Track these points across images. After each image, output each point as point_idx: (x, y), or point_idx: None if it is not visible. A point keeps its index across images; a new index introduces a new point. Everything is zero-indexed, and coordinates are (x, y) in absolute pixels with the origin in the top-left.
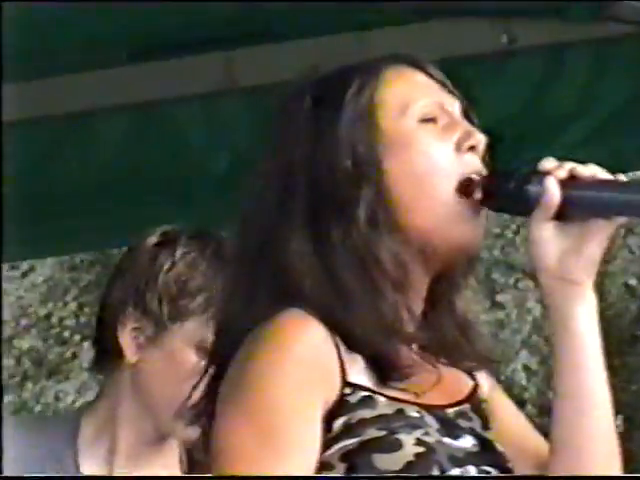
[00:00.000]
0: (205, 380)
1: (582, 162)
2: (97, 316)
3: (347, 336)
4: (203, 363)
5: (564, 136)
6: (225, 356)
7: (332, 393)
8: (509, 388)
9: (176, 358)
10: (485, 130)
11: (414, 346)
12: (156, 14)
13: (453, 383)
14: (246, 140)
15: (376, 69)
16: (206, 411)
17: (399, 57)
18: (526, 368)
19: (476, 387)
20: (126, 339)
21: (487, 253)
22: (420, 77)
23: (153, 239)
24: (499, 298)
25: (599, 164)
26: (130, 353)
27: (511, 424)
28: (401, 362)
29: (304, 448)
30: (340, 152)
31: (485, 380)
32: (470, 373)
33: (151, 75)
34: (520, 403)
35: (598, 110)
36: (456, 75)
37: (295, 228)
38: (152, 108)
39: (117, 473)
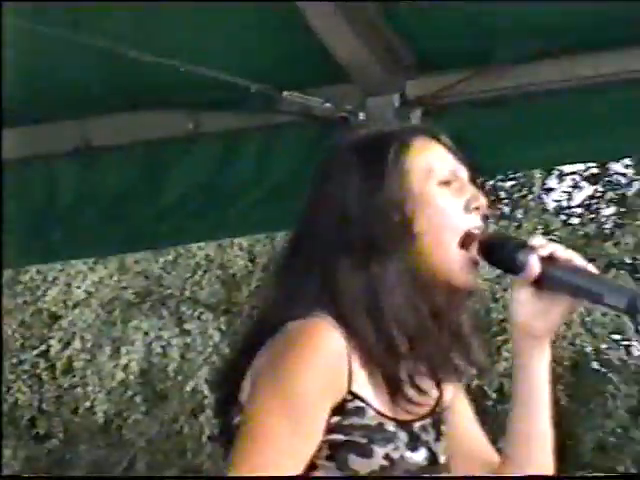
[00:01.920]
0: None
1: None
2: None
3: (363, 354)
4: None
5: (240, 202)
6: (258, 337)
7: (339, 395)
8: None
9: None
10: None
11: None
12: None
13: (429, 395)
14: None
15: (407, 139)
16: (220, 412)
17: (424, 129)
18: (207, 381)
19: (440, 398)
20: None
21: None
22: (439, 147)
23: None
24: (186, 326)
25: (273, 221)
26: None
27: (466, 429)
28: (402, 388)
29: (319, 429)
30: (390, 208)
31: (449, 387)
32: (438, 383)
33: None
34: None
35: (267, 181)
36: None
37: (346, 255)
38: None
39: None
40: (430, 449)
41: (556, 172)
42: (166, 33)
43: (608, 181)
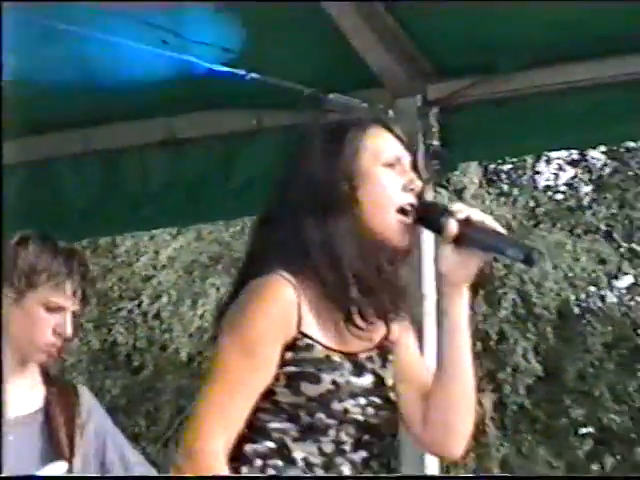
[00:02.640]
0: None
1: None
2: None
3: (317, 298)
4: (50, 317)
5: None
6: (228, 299)
7: (289, 335)
8: None
9: (30, 314)
10: None
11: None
12: None
13: (376, 331)
14: None
15: (363, 126)
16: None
17: (380, 120)
18: None
19: (387, 333)
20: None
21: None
22: (389, 136)
23: (14, 240)
24: None
25: None
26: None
27: (411, 360)
28: (352, 318)
29: (271, 363)
30: (340, 177)
31: (397, 325)
32: (387, 321)
33: None
34: None
35: None
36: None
37: (309, 216)
38: None
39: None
40: (376, 374)
41: (544, 158)
42: (236, 46)
43: (586, 165)
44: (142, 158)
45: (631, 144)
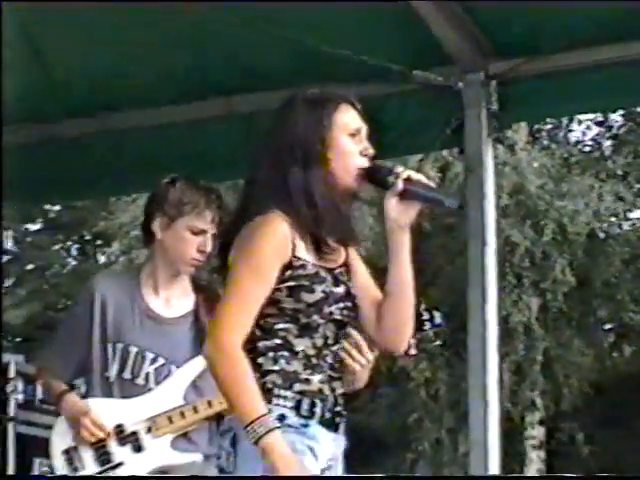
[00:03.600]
0: (217, 247)
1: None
2: (144, 215)
3: (301, 230)
4: (195, 238)
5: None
6: (230, 235)
7: (286, 259)
8: None
9: (179, 236)
10: None
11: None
12: None
13: (340, 254)
14: None
15: (337, 101)
16: (221, 261)
17: (347, 98)
18: None
19: (347, 256)
20: (155, 227)
21: None
22: (353, 111)
23: (166, 180)
24: None
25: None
26: (158, 234)
27: (363, 278)
28: (322, 244)
29: (272, 279)
30: (315, 140)
31: (351, 251)
32: (345, 248)
33: None
34: None
35: (403, 125)
36: None
37: (293, 166)
38: None
39: (160, 291)
40: (347, 285)
41: (576, 120)
42: (339, 31)
43: (608, 125)
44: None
45: None
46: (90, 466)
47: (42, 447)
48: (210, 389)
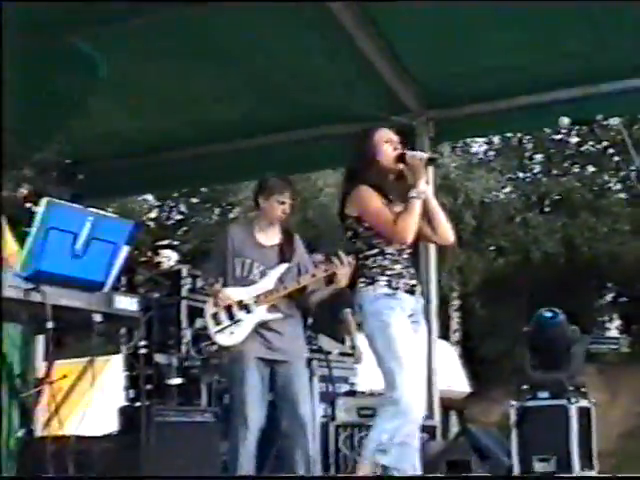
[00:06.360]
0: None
1: None
2: (253, 193)
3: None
4: (280, 206)
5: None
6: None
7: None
8: None
9: (272, 205)
10: None
11: None
12: None
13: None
14: None
15: (379, 129)
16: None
17: (385, 126)
18: None
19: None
20: (260, 199)
21: None
22: (389, 131)
23: (265, 176)
24: None
25: None
26: (262, 203)
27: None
28: None
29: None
30: (370, 150)
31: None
32: (403, 201)
33: None
34: None
35: None
36: None
37: (360, 166)
38: None
39: (263, 232)
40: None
41: (475, 140)
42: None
43: (491, 141)
44: None
45: None
46: (224, 321)
47: (200, 312)
48: (289, 280)
